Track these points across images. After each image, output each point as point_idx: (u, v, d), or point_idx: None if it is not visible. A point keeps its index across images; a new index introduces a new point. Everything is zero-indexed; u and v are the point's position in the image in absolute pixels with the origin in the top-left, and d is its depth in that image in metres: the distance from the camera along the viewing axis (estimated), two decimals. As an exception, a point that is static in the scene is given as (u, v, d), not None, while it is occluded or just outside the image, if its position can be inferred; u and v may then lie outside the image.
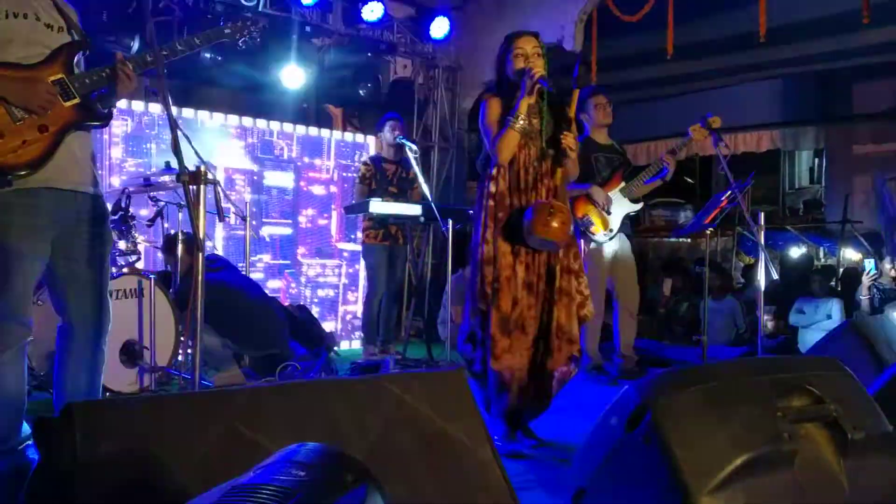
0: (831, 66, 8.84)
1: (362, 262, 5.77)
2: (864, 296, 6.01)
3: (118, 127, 5.32)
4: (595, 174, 4.67)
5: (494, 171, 3.05)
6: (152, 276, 3.93)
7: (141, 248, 4.28)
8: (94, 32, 2.71)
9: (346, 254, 6.66)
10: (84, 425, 1.37)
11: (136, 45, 5.01)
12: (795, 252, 9.96)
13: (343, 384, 1.83)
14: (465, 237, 5.71)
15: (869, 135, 9.28)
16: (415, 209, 4.63)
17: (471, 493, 1.75)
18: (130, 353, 3.82)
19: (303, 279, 6.50)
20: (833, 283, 7.30)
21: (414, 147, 5.11)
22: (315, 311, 6.05)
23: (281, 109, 6.65)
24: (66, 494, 1.34)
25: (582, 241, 4.58)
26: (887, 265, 6.61)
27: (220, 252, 5.67)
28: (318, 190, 6.57)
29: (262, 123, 6.21)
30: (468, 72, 7.24)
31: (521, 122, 2.97)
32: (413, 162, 4.99)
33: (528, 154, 3.02)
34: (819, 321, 5.98)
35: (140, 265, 4.30)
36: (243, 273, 4.99)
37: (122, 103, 4.90)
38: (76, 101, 2.36)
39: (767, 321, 6.27)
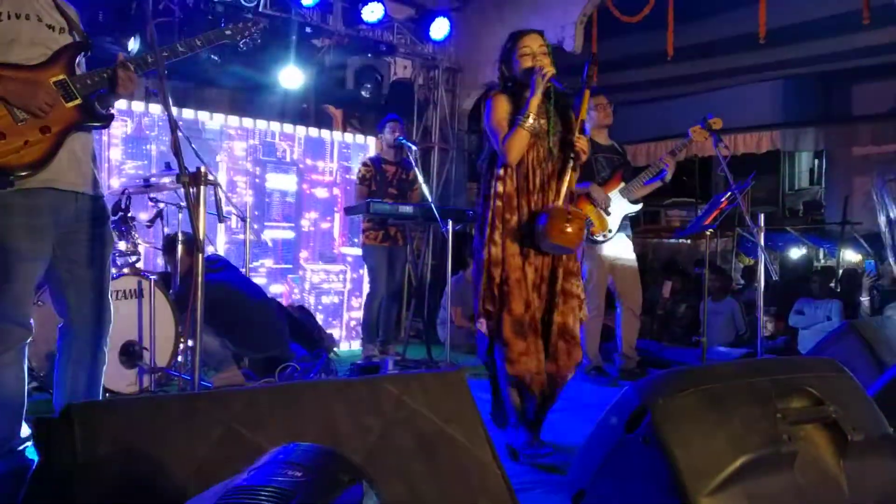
0: (831, 67, 8.84)
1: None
2: (863, 297, 6.01)
3: (117, 128, 5.31)
4: (595, 174, 4.68)
5: (501, 172, 2.99)
6: (152, 277, 3.93)
7: (141, 248, 4.28)
8: (92, 33, 2.70)
9: (349, 258, 6.58)
10: (83, 426, 1.37)
11: (136, 46, 5.01)
12: (795, 253, 9.97)
13: (343, 385, 1.83)
14: (465, 238, 5.74)
15: (869, 136, 9.28)
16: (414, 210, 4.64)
17: (470, 494, 1.75)
18: (130, 353, 3.82)
19: (307, 285, 6.44)
20: (833, 285, 7.30)
21: (413, 147, 5.11)
22: (319, 318, 6.00)
23: (281, 110, 6.65)
24: (66, 495, 1.34)
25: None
26: (888, 267, 6.61)
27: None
28: (321, 193, 6.51)
29: (262, 124, 6.17)
30: (468, 73, 7.25)
31: (532, 121, 2.92)
32: (413, 163, 5.00)
33: (535, 155, 2.97)
34: (819, 322, 5.98)
35: (140, 266, 4.29)
36: (244, 274, 4.99)
37: (121, 104, 4.91)
38: (78, 101, 2.37)
39: (767, 322, 6.27)
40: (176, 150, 2.24)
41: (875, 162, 9.19)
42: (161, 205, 4.47)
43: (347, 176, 6.52)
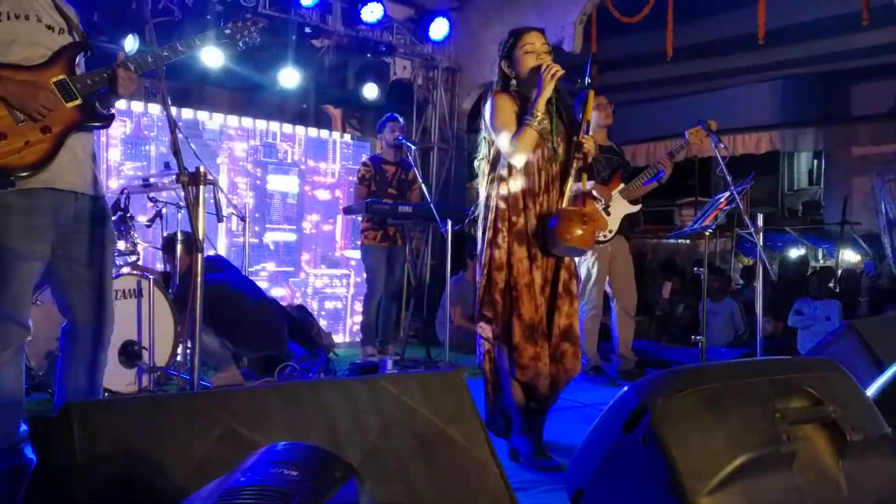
0: (831, 67, 8.86)
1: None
2: (862, 297, 6.02)
3: (116, 129, 5.30)
4: (595, 174, 4.68)
5: (505, 172, 2.92)
6: (151, 277, 3.93)
7: (140, 248, 4.27)
8: (91, 33, 2.70)
9: (352, 262, 6.53)
10: (82, 425, 1.37)
11: (135, 46, 5.01)
12: (794, 253, 9.97)
13: (342, 385, 1.83)
14: (464, 238, 5.73)
15: (868, 136, 9.29)
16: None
17: (470, 493, 1.75)
18: (129, 353, 3.82)
19: (309, 290, 6.38)
20: (832, 285, 7.30)
21: (413, 147, 5.12)
22: (322, 323, 5.96)
23: (280, 110, 6.64)
24: (65, 494, 1.34)
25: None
26: (887, 267, 6.62)
27: (221, 259, 5.63)
28: (322, 194, 6.46)
29: (262, 125, 6.15)
30: (467, 73, 7.24)
31: (539, 120, 2.85)
32: (413, 163, 5.00)
33: (541, 155, 2.91)
34: (818, 322, 5.98)
35: (139, 265, 4.29)
36: (244, 274, 4.99)
37: (120, 104, 4.89)
38: (78, 102, 2.37)
39: (766, 322, 6.27)
40: (175, 149, 2.24)
41: (874, 162, 9.20)
42: (160, 204, 4.47)
43: (350, 178, 6.48)
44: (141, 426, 1.47)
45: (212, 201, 2.40)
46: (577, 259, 3.23)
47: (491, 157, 2.98)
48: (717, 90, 9.74)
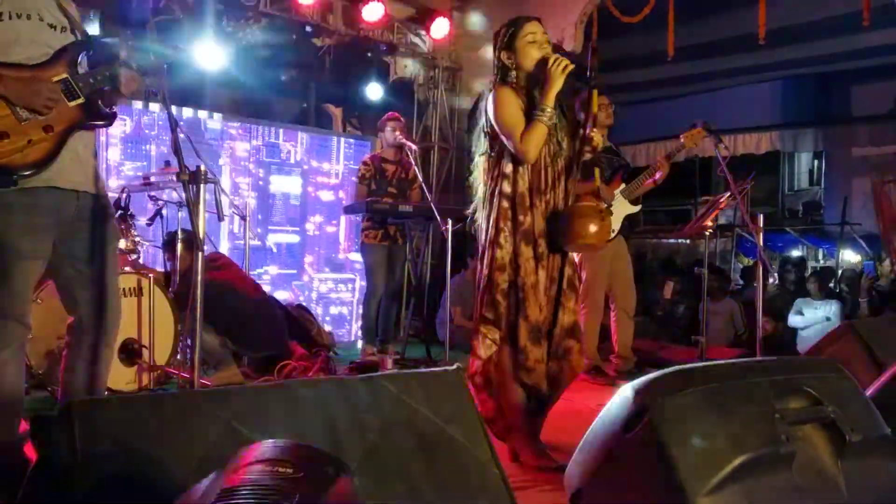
0: (830, 68, 8.87)
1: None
2: (862, 298, 6.02)
3: (116, 127, 5.26)
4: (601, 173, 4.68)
5: (510, 170, 2.82)
6: (151, 275, 3.93)
7: (140, 247, 4.28)
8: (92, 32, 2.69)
9: (357, 265, 6.45)
10: (83, 423, 1.37)
11: (136, 44, 5.00)
12: (795, 254, 9.97)
13: (341, 384, 1.83)
14: (465, 237, 5.73)
15: (868, 137, 9.30)
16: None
17: (469, 493, 1.75)
18: (129, 351, 3.82)
19: (314, 295, 6.30)
20: (832, 285, 7.30)
21: (413, 147, 5.12)
22: (327, 328, 5.91)
23: (281, 110, 6.64)
24: (65, 492, 1.34)
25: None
26: (886, 267, 6.62)
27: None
28: (326, 195, 6.39)
29: (263, 124, 6.11)
30: (468, 72, 7.24)
31: (550, 116, 2.75)
32: (413, 162, 5.00)
33: (547, 151, 2.82)
34: (818, 323, 5.98)
35: (140, 263, 4.29)
36: (245, 272, 4.99)
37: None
38: (81, 100, 2.37)
39: (766, 323, 6.28)
40: (176, 148, 2.24)
41: (874, 163, 9.21)
42: (161, 202, 4.47)
43: (353, 179, 6.44)
44: (141, 424, 1.47)
45: (213, 200, 2.41)
46: (575, 257, 3.20)
47: (495, 153, 2.88)
48: (717, 90, 9.75)
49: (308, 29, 6.07)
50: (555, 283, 2.89)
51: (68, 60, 2.37)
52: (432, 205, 4.75)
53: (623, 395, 1.76)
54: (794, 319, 6.20)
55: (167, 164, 4.41)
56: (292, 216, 6.23)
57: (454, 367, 1.95)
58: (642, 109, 9.92)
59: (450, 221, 4.63)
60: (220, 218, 2.62)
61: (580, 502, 1.83)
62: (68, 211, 2.42)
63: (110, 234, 2.57)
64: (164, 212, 4.50)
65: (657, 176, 4.64)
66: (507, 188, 2.82)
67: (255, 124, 6.08)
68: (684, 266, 9.23)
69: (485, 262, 2.86)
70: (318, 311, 6.19)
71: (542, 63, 2.80)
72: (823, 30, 7.07)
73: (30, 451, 2.29)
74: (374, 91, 6.68)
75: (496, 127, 2.83)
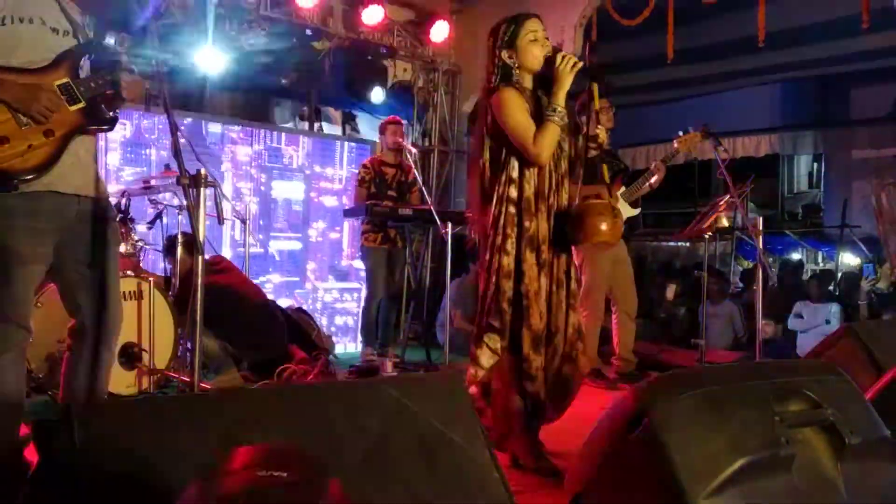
0: (830, 70, 8.87)
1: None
2: (861, 300, 6.02)
3: (116, 132, 5.19)
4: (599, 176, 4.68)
5: (516, 174, 2.75)
6: (151, 279, 3.93)
7: (140, 250, 4.27)
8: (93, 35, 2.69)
9: (362, 273, 6.25)
10: (83, 427, 1.38)
11: (137, 48, 5.00)
12: (794, 256, 9.98)
13: (341, 387, 1.84)
14: (465, 241, 5.73)
15: (867, 139, 9.32)
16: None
17: (469, 496, 1.75)
18: (129, 355, 3.82)
19: (318, 305, 6.21)
20: (831, 288, 7.31)
21: (413, 150, 5.13)
22: (335, 341, 5.86)
23: (281, 113, 6.64)
24: (65, 496, 1.34)
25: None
26: (886, 270, 6.62)
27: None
28: (329, 201, 6.33)
29: (267, 128, 6.07)
30: (468, 75, 7.25)
31: (561, 115, 2.69)
32: (413, 165, 5.01)
33: (553, 153, 2.77)
34: (818, 325, 5.98)
35: (140, 267, 4.29)
36: (246, 276, 4.99)
37: (121, 106, 4.88)
38: (82, 105, 2.37)
39: (766, 325, 6.28)
40: (176, 151, 2.24)
41: (874, 166, 9.21)
42: (161, 206, 4.47)
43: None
44: (141, 428, 1.47)
45: (212, 203, 2.41)
46: (575, 260, 3.18)
47: (502, 157, 2.79)
48: (717, 93, 9.75)
49: (308, 32, 6.08)
50: (563, 286, 2.86)
51: (70, 64, 2.38)
52: (432, 208, 4.75)
53: (623, 398, 1.76)
54: (793, 322, 6.20)
55: (167, 167, 4.41)
56: (294, 222, 6.18)
57: (454, 370, 1.95)
58: (642, 112, 9.93)
59: (449, 224, 4.63)
60: (221, 221, 2.62)
61: (580, 505, 1.83)
62: (69, 215, 2.42)
63: (111, 237, 2.57)
64: (164, 215, 4.50)
65: (652, 180, 4.65)
66: (513, 193, 2.76)
67: (257, 128, 6.06)
68: (684, 269, 9.24)
69: (491, 268, 2.79)
70: (322, 321, 6.05)
71: (549, 61, 2.75)
72: (823, 32, 7.08)
73: (30, 455, 2.29)
74: (373, 94, 6.68)
75: (504, 130, 2.75)
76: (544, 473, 2.78)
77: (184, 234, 4.25)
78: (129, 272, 3.90)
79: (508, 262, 2.75)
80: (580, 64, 2.72)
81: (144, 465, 1.41)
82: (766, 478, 1.66)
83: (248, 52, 5.59)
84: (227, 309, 4.20)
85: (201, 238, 2.30)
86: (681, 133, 4.59)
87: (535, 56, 2.78)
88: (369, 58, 6.55)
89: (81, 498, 1.33)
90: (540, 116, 2.76)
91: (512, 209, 2.75)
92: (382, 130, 5.32)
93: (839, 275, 8.44)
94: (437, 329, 5.97)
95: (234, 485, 1.02)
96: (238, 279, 4.64)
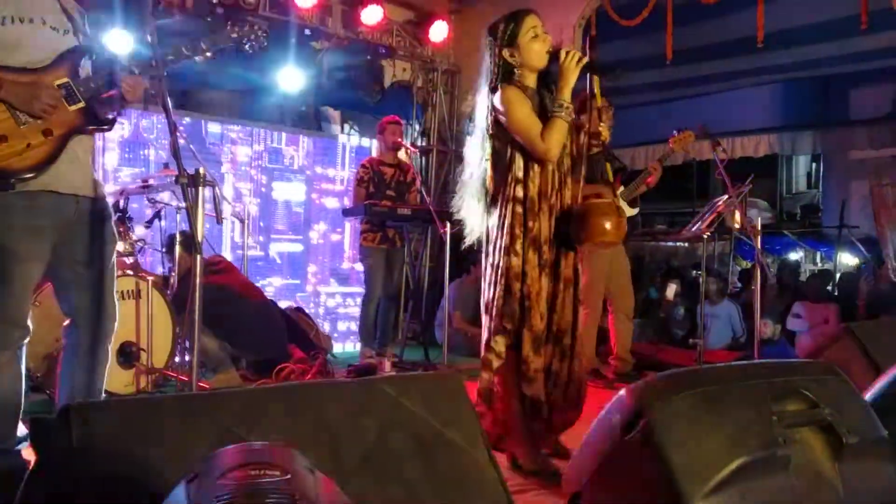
0: (829, 71, 8.87)
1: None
2: (860, 300, 6.03)
3: (114, 131, 5.18)
4: (598, 176, 4.69)
5: (522, 174, 2.72)
6: (150, 278, 3.93)
7: (137, 249, 4.27)
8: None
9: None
10: (81, 426, 1.38)
11: (137, 48, 5.00)
12: (793, 256, 9.98)
13: (339, 387, 1.83)
14: (463, 241, 5.73)
15: (866, 140, 9.32)
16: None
17: (467, 496, 1.75)
18: (127, 354, 3.82)
19: (321, 310, 6.15)
20: (830, 288, 7.31)
21: (412, 150, 5.13)
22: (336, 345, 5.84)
23: (280, 113, 6.63)
24: (63, 495, 1.34)
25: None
26: (884, 270, 6.63)
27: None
28: (331, 202, 6.28)
29: (264, 128, 6.05)
30: (467, 75, 7.25)
31: (569, 111, 2.66)
32: (412, 165, 5.01)
33: None
34: (816, 326, 5.99)
35: (138, 266, 4.29)
36: (245, 275, 4.98)
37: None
38: (81, 105, 2.37)
39: (764, 325, 6.28)
40: (174, 150, 2.24)
41: (872, 166, 9.22)
42: (159, 205, 4.47)
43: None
44: (139, 427, 1.47)
45: (211, 202, 2.40)
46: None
47: (507, 156, 2.76)
48: (715, 93, 9.76)
49: (307, 32, 6.08)
50: (571, 285, 2.84)
51: (70, 64, 2.37)
52: (431, 208, 4.75)
53: (621, 397, 1.76)
54: (792, 322, 6.21)
55: (166, 166, 4.41)
56: (295, 224, 6.13)
57: (452, 370, 1.95)
58: (641, 112, 9.92)
59: (448, 224, 4.63)
60: (219, 221, 2.62)
61: (578, 505, 1.84)
62: (67, 214, 2.42)
63: (109, 237, 2.57)
64: (162, 215, 4.50)
65: (649, 179, 4.66)
66: (520, 192, 2.73)
67: (258, 127, 6.04)
68: (682, 269, 9.24)
69: (499, 270, 2.75)
70: (325, 327, 6.03)
71: (553, 57, 2.72)
72: (822, 33, 7.08)
73: (28, 454, 2.30)
74: (372, 94, 6.67)
75: (510, 129, 2.73)
76: (543, 474, 2.77)
77: (182, 233, 4.25)
78: (127, 271, 3.90)
79: (518, 263, 2.72)
80: (585, 59, 2.70)
81: (142, 464, 1.41)
82: (764, 478, 1.66)
83: (248, 50, 5.56)
84: (226, 308, 4.20)
85: (200, 237, 2.30)
86: (676, 132, 4.60)
87: (537, 53, 2.75)
88: (368, 57, 6.55)
89: (79, 496, 1.32)
90: (543, 115, 2.74)
91: (519, 209, 2.73)
92: (381, 130, 5.32)
93: (837, 275, 8.45)
94: (435, 329, 5.97)
95: (228, 485, 1.02)
96: (237, 279, 4.64)
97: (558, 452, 2.95)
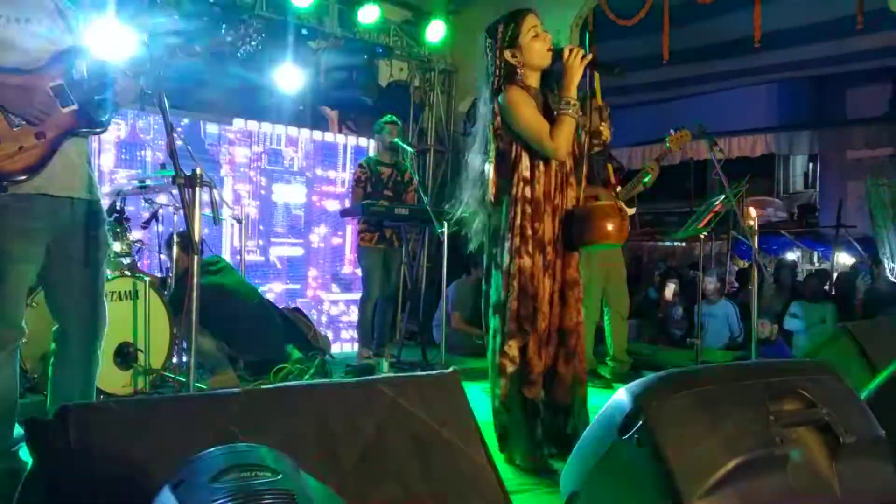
0: (825, 71, 8.89)
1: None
2: (857, 300, 6.04)
3: (110, 132, 5.16)
4: (596, 176, 4.69)
5: (528, 174, 2.70)
6: (146, 279, 3.93)
7: (134, 250, 4.26)
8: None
9: None
10: (78, 427, 1.37)
11: (133, 50, 4.99)
12: (790, 256, 10.00)
13: (337, 387, 1.83)
14: (461, 241, 5.73)
15: (862, 139, 9.35)
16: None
17: (465, 496, 1.75)
18: (125, 355, 3.81)
19: (324, 318, 6.07)
20: (827, 288, 7.33)
21: (410, 150, 5.12)
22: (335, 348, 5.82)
23: (277, 113, 6.62)
24: (60, 497, 1.34)
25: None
26: (885, 270, 6.65)
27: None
28: (332, 205, 6.22)
29: (264, 128, 5.99)
30: (464, 75, 7.25)
31: (575, 109, 2.63)
32: (409, 164, 5.01)
33: None
34: (813, 325, 6.00)
35: (135, 267, 4.28)
36: (242, 276, 4.98)
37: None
38: (74, 107, 2.36)
39: (761, 325, 6.29)
40: (171, 150, 2.24)
41: (869, 166, 9.24)
42: (156, 205, 4.46)
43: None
44: (136, 428, 1.47)
45: (208, 203, 2.40)
46: None
47: (512, 157, 2.73)
48: (712, 93, 9.77)
49: (304, 31, 6.07)
50: (577, 285, 2.82)
51: (64, 66, 2.36)
52: (428, 207, 4.75)
53: (618, 397, 1.77)
54: (789, 322, 6.22)
55: (163, 166, 4.41)
56: (296, 227, 6.08)
57: (450, 370, 1.95)
58: (638, 112, 9.94)
59: (446, 224, 4.63)
60: (216, 221, 2.61)
61: (576, 505, 1.84)
62: (62, 217, 2.40)
63: (102, 240, 2.56)
64: (159, 216, 4.49)
65: (646, 179, 4.66)
66: (528, 193, 2.71)
67: (257, 130, 6.01)
68: (680, 268, 9.25)
69: (510, 272, 2.72)
70: (328, 335, 5.97)
71: (556, 55, 2.71)
72: (818, 33, 7.10)
73: (25, 456, 2.29)
74: (369, 93, 6.66)
75: (517, 129, 2.71)
76: (540, 473, 2.77)
77: (180, 233, 4.24)
78: (125, 272, 3.90)
79: (528, 264, 2.70)
80: (589, 56, 2.69)
81: (139, 466, 1.40)
82: (761, 477, 1.66)
83: (244, 51, 5.56)
84: (224, 309, 4.19)
85: (197, 238, 2.30)
86: (672, 132, 4.61)
87: (539, 52, 2.74)
88: (365, 57, 6.54)
89: (76, 498, 1.32)
90: (547, 114, 2.73)
91: (529, 209, 2.71)
92: (378, 130, 5.32)
93: (834, 275, 8.46)
94: (433, 329, 5.97)
95: (222, 488, 1.02)
96: (235, 280, 4.63)
97: (557, 452, 2.95)
